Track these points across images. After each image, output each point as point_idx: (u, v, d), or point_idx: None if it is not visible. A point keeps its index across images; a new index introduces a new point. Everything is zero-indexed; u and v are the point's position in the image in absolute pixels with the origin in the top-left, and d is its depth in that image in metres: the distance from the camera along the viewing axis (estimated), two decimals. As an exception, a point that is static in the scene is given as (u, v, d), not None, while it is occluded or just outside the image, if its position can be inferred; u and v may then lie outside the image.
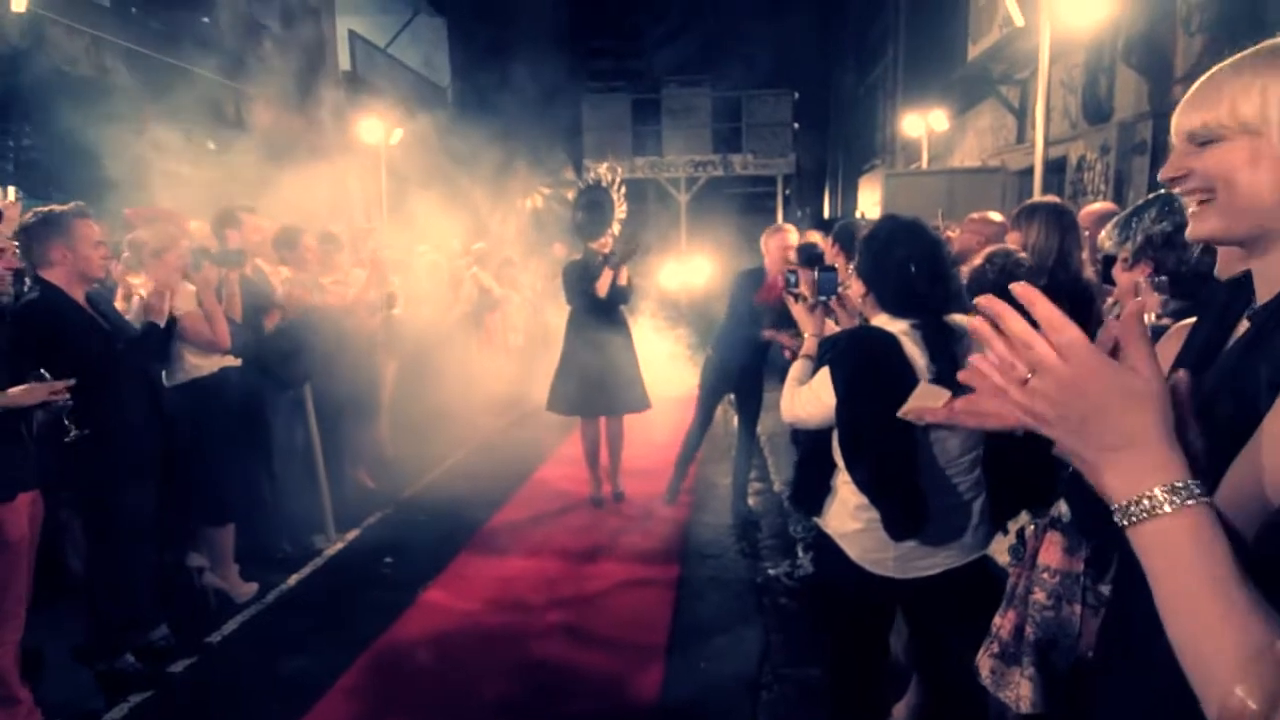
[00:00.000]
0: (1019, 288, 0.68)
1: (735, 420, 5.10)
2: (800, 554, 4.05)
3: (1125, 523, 0.65)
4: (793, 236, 4.29)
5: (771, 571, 3.91)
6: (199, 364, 3.43)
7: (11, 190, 4.03)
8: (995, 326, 0.68)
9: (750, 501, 5.03)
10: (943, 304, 1.93)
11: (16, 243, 2.74)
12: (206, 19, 7.61)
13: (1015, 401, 0.67)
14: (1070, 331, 0.65)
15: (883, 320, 1.95)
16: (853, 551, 1.97)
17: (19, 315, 2.67)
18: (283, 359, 3.90)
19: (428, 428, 6.02)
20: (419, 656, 3.19)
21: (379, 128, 8.75)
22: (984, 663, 1.59)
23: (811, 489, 2.06)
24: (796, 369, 2.14)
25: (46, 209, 2.78)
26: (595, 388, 4.78)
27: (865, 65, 15.10)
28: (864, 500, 1.90)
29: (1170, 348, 0.89)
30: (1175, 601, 0.64)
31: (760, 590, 3.75)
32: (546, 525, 4.71)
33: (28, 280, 2.86)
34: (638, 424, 5.32)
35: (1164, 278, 1.61)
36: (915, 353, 1.88)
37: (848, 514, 1.97)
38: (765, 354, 4.59)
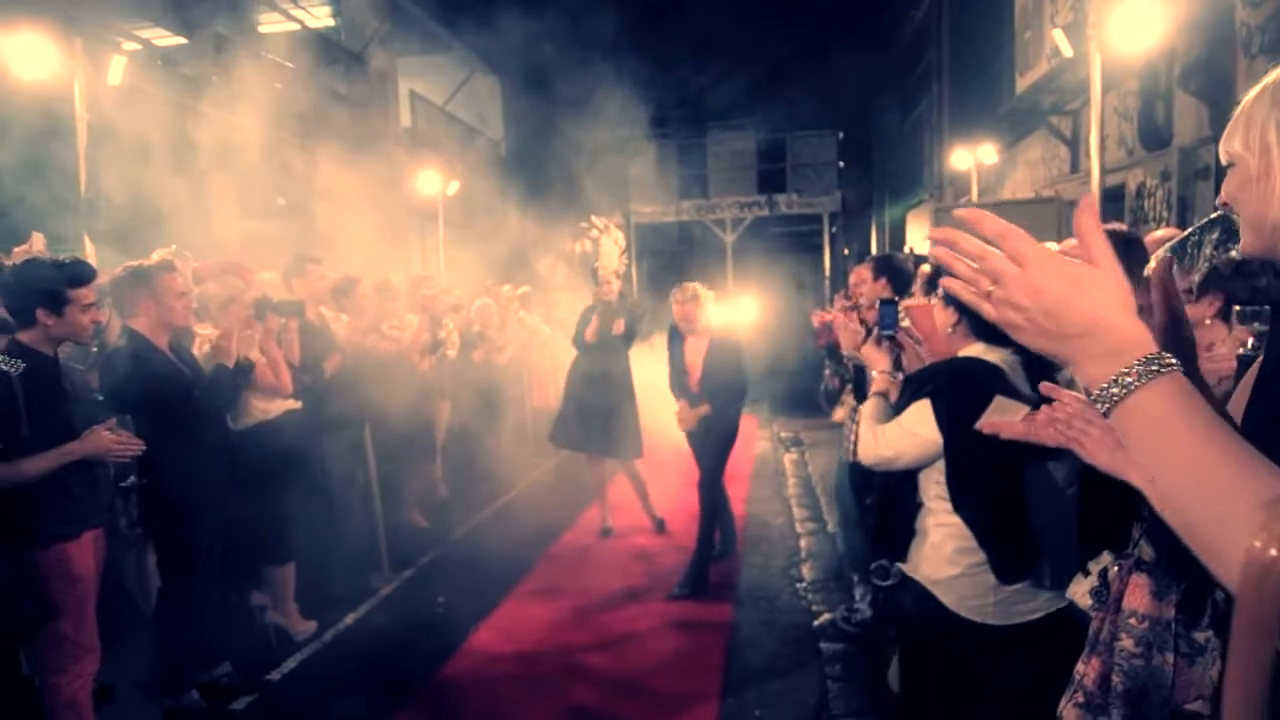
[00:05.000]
0: (963, 211, 0.73)
1: (786, 455, 5.02)
2: (857, 598, 3.90)
3: (1106, 408, 0.66)
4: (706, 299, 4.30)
5: (827, 615, 3.77)
6: (264, 409, 3.57)
7: (90, 245, 4.36)
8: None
9: (803, 542, 4.90)
10: None
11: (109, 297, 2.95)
12: (279, 85, 8.18)
13: (989, 316, 0.71)
14: (1020, 239, 0.68)
15: (978, 350, 1.85)
16: (948, 599, 1.84)
17: (108, 362, 2.86)
18: (342, 401, 4.05)
19: (480, 468, 6.09)
20: (470, 698, 3.17)
21: (436, 180, 9.15)
22: (1068, 713, 1.48)
23: (895, 533, 1.94)
24: (871, 408, 2.03)
25: (136, 264, 2.99)
26: (591, 427, 4.94)
27: (909, 102, 15.10)
28: (963, 543, 1.80)
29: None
30: (1173, 473, 0.62)
31: (816, 635, 3.62)
32: (596, 566, 4.67)
33: (115, 331, 3.06)
34: (686, 467, 5.28)
35: (1260, 307, 1.53)
36: (1019, 382, 1.78)
37: (942, 559, 1.85)
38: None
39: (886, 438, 1.91)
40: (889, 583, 1.96)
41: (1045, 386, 1.26)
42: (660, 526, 5.13)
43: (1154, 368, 0.64)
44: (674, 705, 3.07)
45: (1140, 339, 0.66)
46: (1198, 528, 0.62)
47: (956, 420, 1.76)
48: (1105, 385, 0.66)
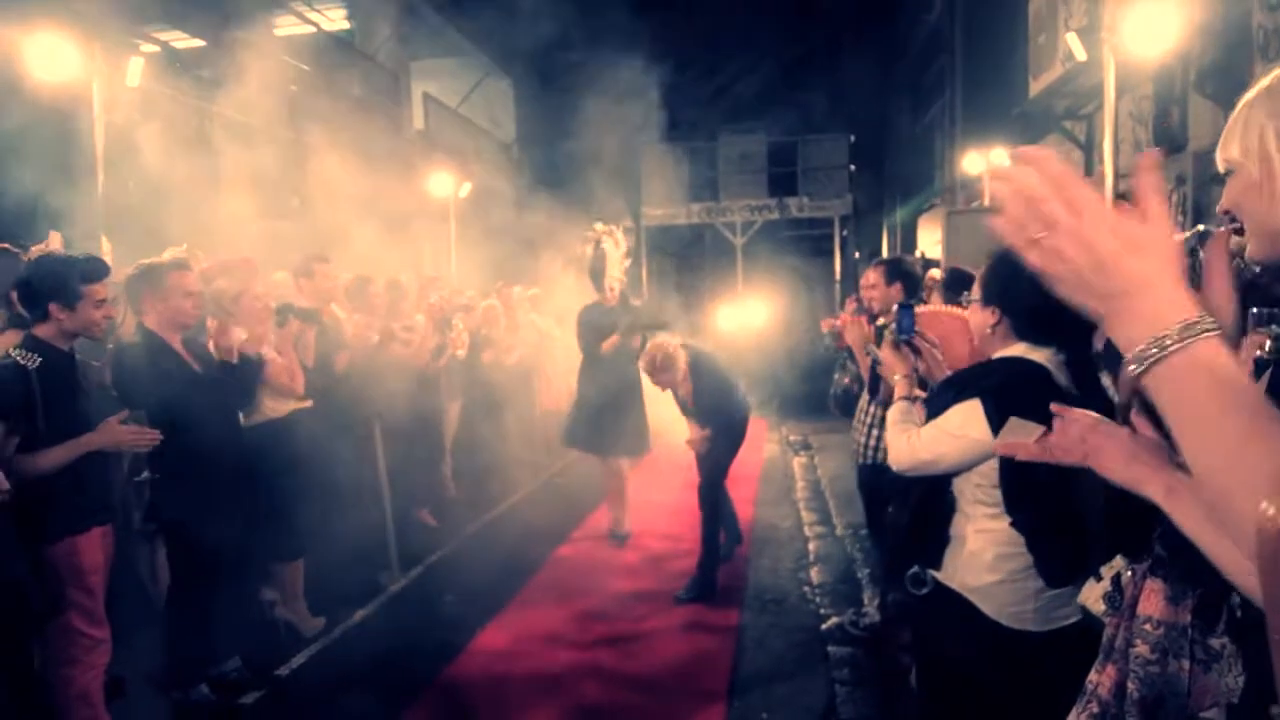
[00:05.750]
0: (1027, 150, 0.68)
1: (795, 459, 4.99)
2: (866, 601, 3.88)
3: (1140, 369, 0.65)
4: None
5: (835, 619, 3.75)
6: (275, 406, 3.60)
7: (107, 243, 4.41)
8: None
9: (811, 546, 4.88)
10: (1088, 330, 1.72)
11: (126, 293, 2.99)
12: (294, 87, 8.25)
13: (1033, 263, 0.69)
14: (1079, 187, 0.66)
15: (1020, 350, 1.80)
16: (988, 606, 1.79)
17: (117, 356, 2.89)
18: (352, 400, 4.07)
19: (489, 468, 6.11)
20: (477, 696, 3.18)
21: (449, 182, 9.20)
22: (1080, 722, 1.46)
23: (929, 539, 1.88)
24: (897, 412, 1.99)
25: (149, 262, 3.02)
26: (601, 429, 4.93)
27: (921, 106, 15.03)
28: (1005, 549, 1.75)
29: None
30: (1200, 437, 0.62)
31: (824, 639, 3.60)
32: (604, 567, 4.67)
33: (130, 328, 3.10)
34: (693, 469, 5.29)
35: (1276, 309, 1.49)
36: (1064, 383, 1.73)
37: (982, 566, 1.80)
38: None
39: (923, 441, 1.85)
40: (924, 591, 1.90)
41: (1056, 406, 1.24)
42: (616, 536, 5.09)
43: (1194, 331, 0.63)
44: (681, 706, 3.06)
45: (1184, 303, 0.64)
46: (1223, 500, 0.60)
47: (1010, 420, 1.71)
48: (1143, 347, 0.64)
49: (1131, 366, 0.65)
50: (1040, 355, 1.79)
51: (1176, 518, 1.01)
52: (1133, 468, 0.94)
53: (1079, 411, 1.10)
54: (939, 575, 1.89)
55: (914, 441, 1.88)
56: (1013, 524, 1.76)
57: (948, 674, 1.93)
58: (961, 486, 1.86)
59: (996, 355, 1.86)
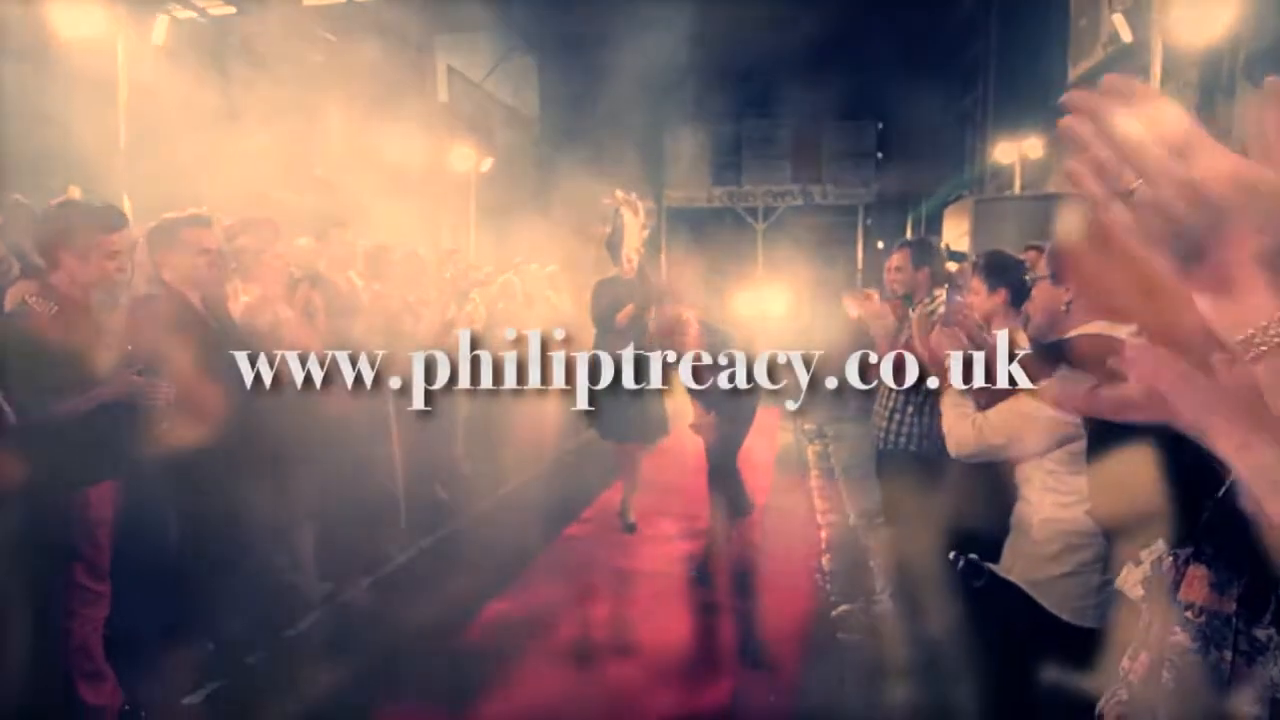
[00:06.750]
0: (1114, 79, 0.55)
1: (809, 448, 4.90)
2: (878, 590, 3.81)
3: (1257, 351, 0.52)
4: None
5: (846, 606, 3.69)
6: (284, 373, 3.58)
7: (127, 200, 4.42)
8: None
9: (824, 534, 4.81)
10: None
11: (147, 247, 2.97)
12: (319, 57, 8.23)
13: (1119, 220, 0.54)
14: (1186, 123, 0.52)
15: (1099, 328, 1.69)
16: (1050, 601, 1.73)
17: (133, 309, 2.87)
18: (366, 369, 4.05)
19: (502, 445, 6.09)
20: (482, 667, 3.16)
21: (470, 156, 9.15)
22: (1109, 709, 1.39)
23: (985, 527, 1.83)
24: (955, 396, 1.91)
25: (167, 216, 2.99)
26: (619, 413, 4.77)
27: (953, 93, 14.72)
28: (1073, 539, 1.68)
29: None
30: None
31: (834, 625, 3.54)
32: (613, 546, 4.65)
33: (146, 282, 3.08)
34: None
35: None
36: None
37: (1045, 558, 1.73)
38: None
39: (992, 423, 1.78)
40: (980, 584, 1.83)
41: (1130, 345, 1.15)
42: (625, 523, 5.00)
43: None
44: (688, 685, 3.03)
45: None
46: None
47: None
48: (1266, 322, 0.52)
49: (1245, 352, 0.53)
50: (1122, 332, 1.70)
51: (1248, 476, 0.92)
52: (1208, 417, 0.85)
53: (1150, 349, 1.02)
54: (995, 567, 1.82)
55: (980, 425, 1.80)
56: (1088, 512, 1.67)
57: (994, 668, 1.85)
58: (1029, 473, 1.78)
59: (1073, 333, 1.77)
